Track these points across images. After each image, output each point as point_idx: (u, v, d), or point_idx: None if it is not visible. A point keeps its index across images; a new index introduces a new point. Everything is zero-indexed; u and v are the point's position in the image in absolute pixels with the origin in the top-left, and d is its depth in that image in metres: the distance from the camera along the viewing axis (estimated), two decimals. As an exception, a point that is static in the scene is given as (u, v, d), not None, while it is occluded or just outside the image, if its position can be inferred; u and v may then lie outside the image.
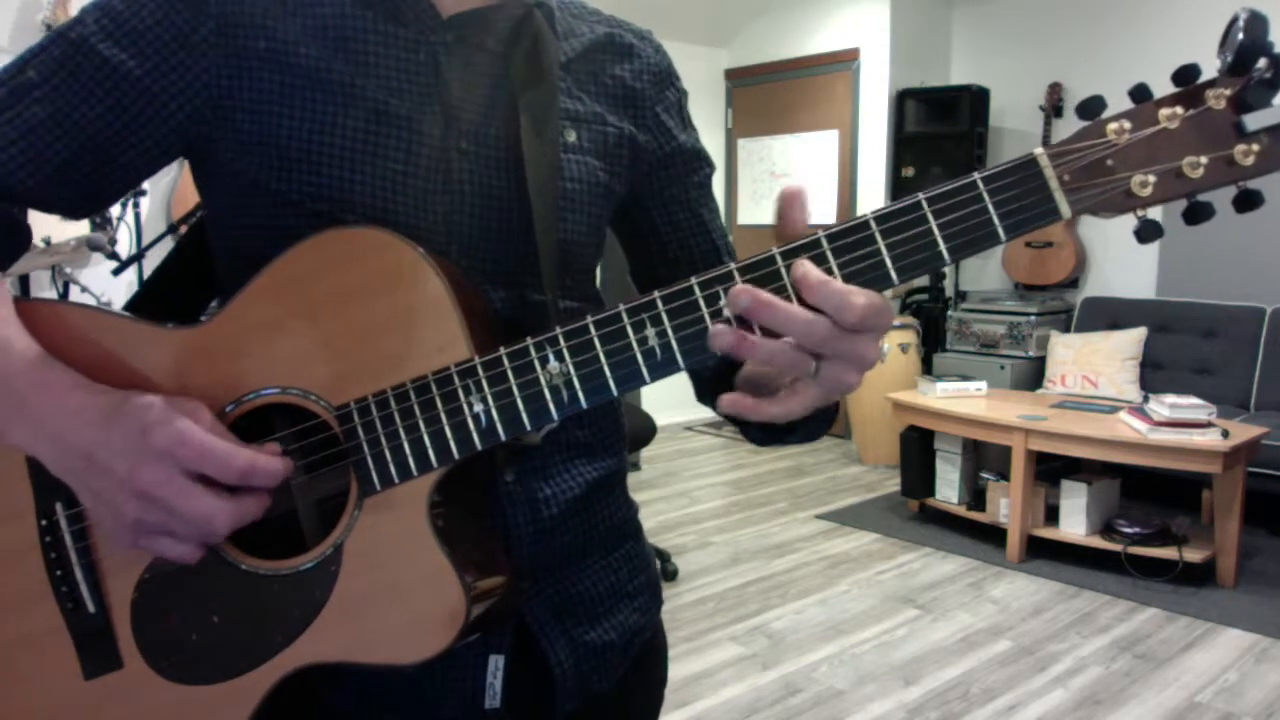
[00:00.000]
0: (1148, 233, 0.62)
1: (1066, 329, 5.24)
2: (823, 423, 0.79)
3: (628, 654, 0.88)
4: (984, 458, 4.35)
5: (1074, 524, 3.86)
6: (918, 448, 4.36)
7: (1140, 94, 0.61)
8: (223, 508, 0.65)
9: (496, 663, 0.78)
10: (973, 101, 5.51)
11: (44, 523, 0.73)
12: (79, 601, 0.72)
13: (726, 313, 0.64)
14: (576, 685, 0.83)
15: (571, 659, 0.82)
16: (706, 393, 0.90)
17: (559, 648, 0.81)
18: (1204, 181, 0.60)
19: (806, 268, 0.62)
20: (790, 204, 0.68)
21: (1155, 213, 0.63)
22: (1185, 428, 3.53)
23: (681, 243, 0.91)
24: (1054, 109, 5.42)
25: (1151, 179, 0.60)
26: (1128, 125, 0.61)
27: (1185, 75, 0.61)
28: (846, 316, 0.61)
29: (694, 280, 0.64)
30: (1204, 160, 0.60)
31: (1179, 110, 0.60)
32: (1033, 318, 5.14)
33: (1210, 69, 0.60)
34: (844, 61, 5.98)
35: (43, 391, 0.68)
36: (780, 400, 0.66)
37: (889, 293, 0.69)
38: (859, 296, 0.61)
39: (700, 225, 0.92)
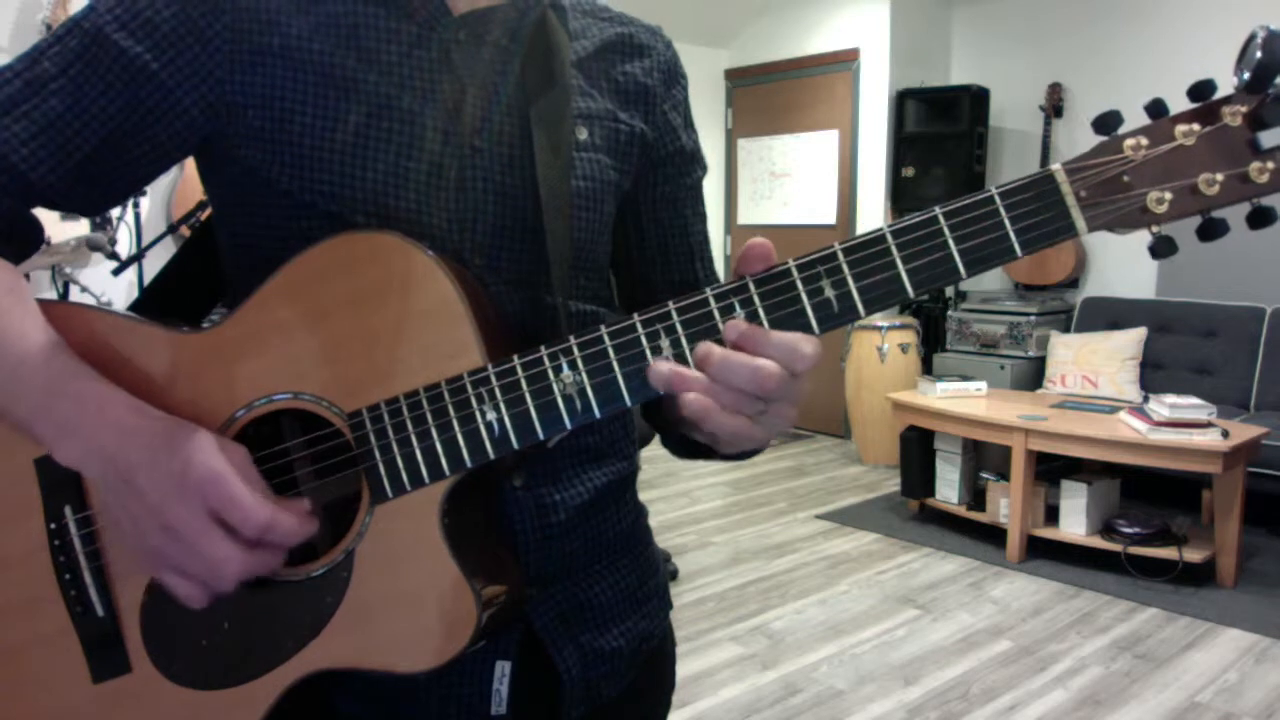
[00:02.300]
0: (1163, 249, 0.62)
1: (1066, 329, 5.24)
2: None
3: (636, 660, 0.87)
4: (984, 458, 4.35)
5: (1074, 524, 3.86)
6: (918, 448, 4.36)
7: (1156, 110, 0.61)
8: (236, 558, 0.64)
9: (503, 669, 0.77)
10: (973, 102, 5.50)
11: (53, 526, 0.72)
12: (88, 605, 0.72)
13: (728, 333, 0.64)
14: (584, 692, 0.82)
15: (580, 666, 0.81)
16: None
17: (567, 654, 0.80)
18: (1219, 198, 0.60)
19: (740, 326, 0.64)
20: (761, 257, 0.66)
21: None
22: (1185, 428, 3.53)
23: (661, 242, 0.91)
24: (1054, 109, 5.42)
25: (1168, 196, 0.60)
26: (1144, 141, 0.61)
27: (1201, 91, 0.61)
28: (798, 365, 0.63)
29: (709, 291, 0.64)
30: (1220, 177, 0.60)
31: (1195, 127, 0.60)
32: (1033, 318, 5.14)
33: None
34: (844, 61, 5.97)
35: (101, 407, 0.67)
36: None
37: None
38: (808, 345, 0.63)
39: (682, 227, 0.92)
